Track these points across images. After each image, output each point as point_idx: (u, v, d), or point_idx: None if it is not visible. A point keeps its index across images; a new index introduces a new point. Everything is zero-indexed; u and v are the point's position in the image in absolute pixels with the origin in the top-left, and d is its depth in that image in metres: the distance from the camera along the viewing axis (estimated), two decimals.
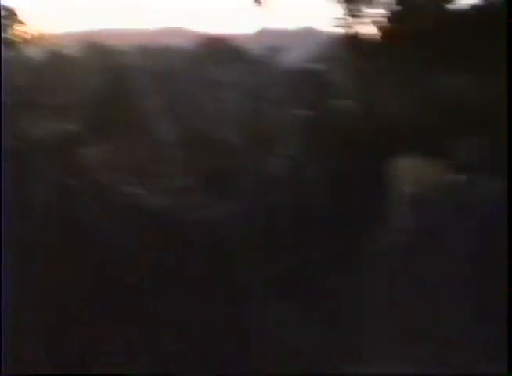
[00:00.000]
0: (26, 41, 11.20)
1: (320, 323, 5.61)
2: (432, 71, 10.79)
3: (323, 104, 9.78)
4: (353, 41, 11.71)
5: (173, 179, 7.16)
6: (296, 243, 6.62)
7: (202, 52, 11.99)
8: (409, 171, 6.81)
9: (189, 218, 6.69)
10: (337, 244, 6.44)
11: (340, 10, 11.66)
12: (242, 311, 6.01)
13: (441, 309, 5.85)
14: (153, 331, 6.23)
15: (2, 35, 10.40)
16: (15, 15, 11.40)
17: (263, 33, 13.19)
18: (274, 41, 12.50)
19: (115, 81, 10.13)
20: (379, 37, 12.18)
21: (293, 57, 12.22)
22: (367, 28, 12.42)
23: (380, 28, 12.40)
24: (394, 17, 11.97)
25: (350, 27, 12.01)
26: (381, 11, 12.08)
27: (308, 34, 13.33)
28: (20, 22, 11.46)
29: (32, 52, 11.11)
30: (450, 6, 11.44)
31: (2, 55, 8.88)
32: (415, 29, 11.34)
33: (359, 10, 11.93)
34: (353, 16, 11.75)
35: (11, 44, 10.70)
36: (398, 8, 11.84)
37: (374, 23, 12.38)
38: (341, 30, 11.97)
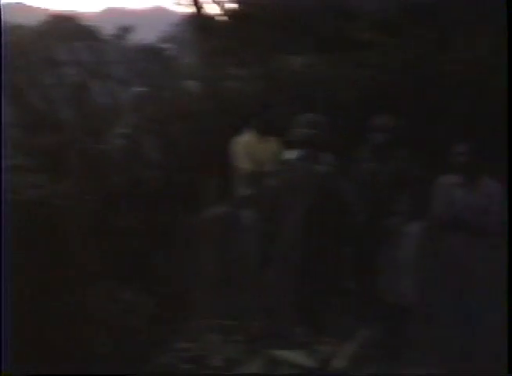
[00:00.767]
0: None
1: (146, 299, 5.53)
2: (278, 51, 10.97)
3: (167, 83, 9.73)
4: (202, 22, 11.69)
5: (6, 158, 6.82)
6: (130, 221, 6.52)
7: (45, 30, 11.57)
8: (251, 148, 6.85)
9: (21, 197, 6.39)
10: (169, 220, 6.39)
11: None
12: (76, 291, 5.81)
13: (277, 284, 5.90)
14: None
15: None
16: None
17: (110, 12, 12.93)
18: (121, 20, 12.29)
19: None
20: (228, 18, 12.24)
21: (140, 36, 12.06)
22: (216, 9, 12.44)
23: (229, 9, 12.46)
24: None
25: (200, 7, 11.98)
26: None
27: (157, 13, 13.19)
28: None
29: None
30: None
31: None
32: (262, 10, 11.48)
33: None
34: None
35: None
36: None
37: (223, 3, 12.43)
38: (190, 11, 11.92)
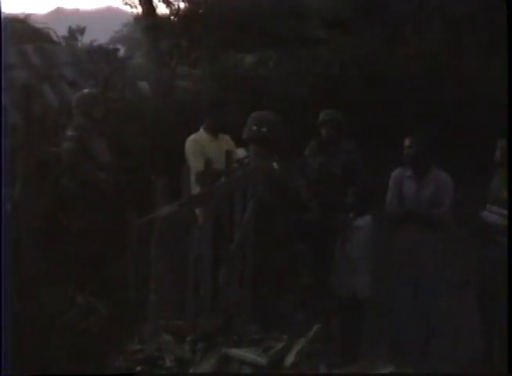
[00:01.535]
0: None
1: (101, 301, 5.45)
2: (230, 50, 10.99)
3: (117, 84, 9.64)
4: (153, 22, 11.63)
5: None
6: (81, 223, 6.42)
7: None
8: (203, 147, 6.81)
9: None
10: (121, 221, 6.31)
11: None
12: None
13: (230, 282, 5.88)
14: None
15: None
16: None
17: (60, 12, 12.75)
18: (71, 21, 12.11)
19: None
20: (179, 18, 12.20)
21: (90, 37, 11.92)
22: (168, 9, 12.39)
23: (180, 9, 12.44)
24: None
25: (151, 7, 11.92)
26: None
27: (107, 14, 13.06)
28: None
29: None
30: None
31: None
32: (212, 9, 11.48)
33: None
34: None
35: None
36: None
37: (174, 4, 12.40)
38: (141, 11, 11.86)
